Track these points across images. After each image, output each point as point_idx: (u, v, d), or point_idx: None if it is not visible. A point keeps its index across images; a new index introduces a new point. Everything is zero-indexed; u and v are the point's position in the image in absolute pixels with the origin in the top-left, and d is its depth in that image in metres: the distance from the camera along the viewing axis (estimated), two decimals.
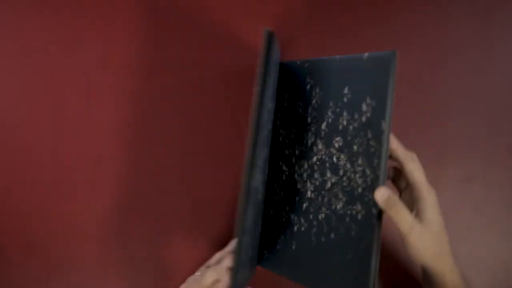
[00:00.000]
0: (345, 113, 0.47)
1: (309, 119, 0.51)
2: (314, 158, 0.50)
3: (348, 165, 0.47)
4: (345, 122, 0.47)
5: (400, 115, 0.58)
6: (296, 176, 0.52)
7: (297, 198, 0.51)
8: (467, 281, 0.47)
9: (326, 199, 0.48)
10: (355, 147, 0.46)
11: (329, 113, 0.49)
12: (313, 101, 0.50)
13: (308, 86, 0.51)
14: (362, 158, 0.45)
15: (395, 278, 0.58)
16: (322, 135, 0.49)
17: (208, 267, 0.52)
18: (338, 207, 0.47)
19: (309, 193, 0.50)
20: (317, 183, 0.49)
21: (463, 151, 0.58)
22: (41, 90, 0.60)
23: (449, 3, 0.59)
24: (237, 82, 0.59)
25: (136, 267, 0.59)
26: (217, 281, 0.47)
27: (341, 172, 0.47)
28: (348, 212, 0.46)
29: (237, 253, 0.42)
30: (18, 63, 0.60)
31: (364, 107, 0.46)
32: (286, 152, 0.53)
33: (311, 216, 0.50)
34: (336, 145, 0.48)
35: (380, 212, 0.43)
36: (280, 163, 0.54)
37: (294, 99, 0.52)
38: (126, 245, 0.59)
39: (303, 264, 0.49)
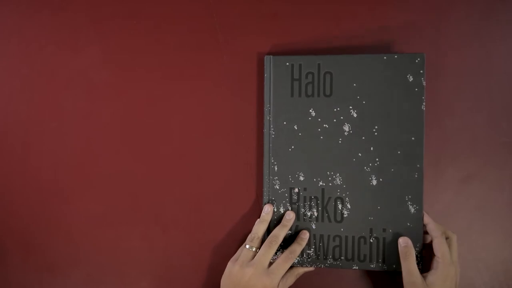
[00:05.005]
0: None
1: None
2: None
3: None
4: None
5: None
6: None
7: None
8: None
9: None
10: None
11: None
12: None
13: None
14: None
15: None
16: None
17: (253, 238, 0.54)
18: None
19: None
20: None
21: (463, 151, 0.58)
22: (41, 90, 0.60)
23: (449, 3, 0.58)
24: (239, 83, 0.59)
25: (137, 267, 0.59)
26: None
27: None
28: None
29: None
30: (18, 63, 0.60)
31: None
32: None
33: None
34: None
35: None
36: None
37: None
38: (126, 245, 0.59)
39: None
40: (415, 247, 0.53)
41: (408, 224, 0.53)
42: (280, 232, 0.53)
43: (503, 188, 0.58)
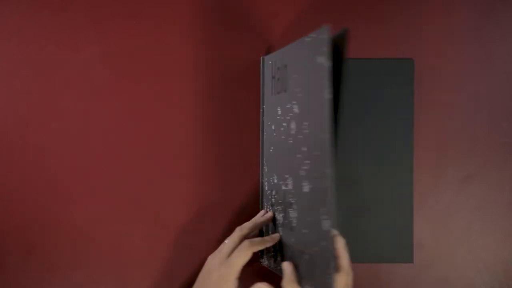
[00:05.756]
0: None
1: None
2: None
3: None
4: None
5: None
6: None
7: None
8: None
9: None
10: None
11: None
12: None
13: None
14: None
15: None
16: None
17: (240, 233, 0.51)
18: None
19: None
20: None
21: (463, 151, 0.58)
22: (41, 90, 0.60)
23: (449, 3, 0.59)
24: (239, 83, 0.59)
25: (137, 267, 0.59)
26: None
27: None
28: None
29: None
30: (18, 63, 0.60)
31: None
32: None
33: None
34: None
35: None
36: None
37: None
38: (126, 245, 0.59)
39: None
40: (326, 273, 0.41)
41: (323, 242, 0.42)
42: (248, 224, 0.51)
43: (503, 188, 0.58)
